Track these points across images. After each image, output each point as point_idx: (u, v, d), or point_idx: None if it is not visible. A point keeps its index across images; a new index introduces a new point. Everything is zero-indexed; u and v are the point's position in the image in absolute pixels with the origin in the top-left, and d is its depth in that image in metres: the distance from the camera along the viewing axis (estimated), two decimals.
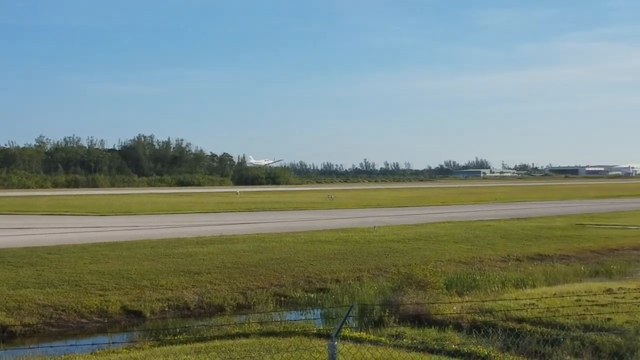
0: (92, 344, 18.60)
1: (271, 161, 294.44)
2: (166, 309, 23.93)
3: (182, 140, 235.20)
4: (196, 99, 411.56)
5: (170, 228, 46.63)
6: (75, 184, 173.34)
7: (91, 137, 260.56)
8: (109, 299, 23.97)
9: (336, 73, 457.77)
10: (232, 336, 18.01)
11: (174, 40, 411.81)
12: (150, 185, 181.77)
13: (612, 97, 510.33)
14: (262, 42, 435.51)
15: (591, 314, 18.39)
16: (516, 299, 21.21)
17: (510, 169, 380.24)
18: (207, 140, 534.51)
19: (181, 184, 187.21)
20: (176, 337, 18.53)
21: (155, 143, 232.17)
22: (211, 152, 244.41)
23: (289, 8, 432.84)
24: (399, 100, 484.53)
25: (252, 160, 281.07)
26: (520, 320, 18.82)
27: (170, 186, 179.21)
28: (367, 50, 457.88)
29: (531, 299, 21.19)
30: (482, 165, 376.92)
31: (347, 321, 19.82)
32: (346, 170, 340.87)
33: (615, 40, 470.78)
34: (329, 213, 64.28)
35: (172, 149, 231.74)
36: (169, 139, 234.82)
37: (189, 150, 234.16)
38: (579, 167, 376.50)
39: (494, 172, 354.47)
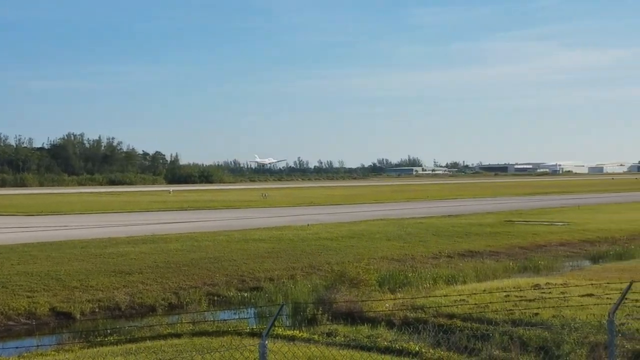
0: (20, 347, 18.16)
1: (274, 160, 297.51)
2: (96, 310, 23.57)
3: (113, 138, 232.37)
4: (128, 97, 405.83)
5: (102, 228, 45.87)
6: (2, 184, 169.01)
7: (19, 135, 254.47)
8: (37, 300, 23.47)
9: (269, 71, 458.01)
10: (163, 336, 17.84)
11: (104, 36, 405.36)
12: (80, 184, 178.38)
13: (540, 96, 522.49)
14: (194, 39, 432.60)
15: (519, 309, 18.77)
16: (447, 296, 21.53)
17: (441, 166, 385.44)
18: (139, 138, 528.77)
19: (112, 183, 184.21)
20: (106, 339, 18.25)
21: (85, 142, 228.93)
22: (143, 151, 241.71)
23: (223, 5, 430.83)
24: (333, 98, 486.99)
25: (257, 159, 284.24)
26: (451, 316, 19.09)
27: (101, 185, 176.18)
28: (302, 47, 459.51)
29: (462, 295, 21.55)
30: (415, 163, 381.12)
31: (280, 320, 19.85)
32: (280, 168, 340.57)
33: (545, 39, 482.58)
34: (263, 212, 64.14)
35: (103, 148, 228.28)
36: (99, 137, 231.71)
37: (121, 149, 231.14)
38: (509, 164, 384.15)
39: (426, 170, 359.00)
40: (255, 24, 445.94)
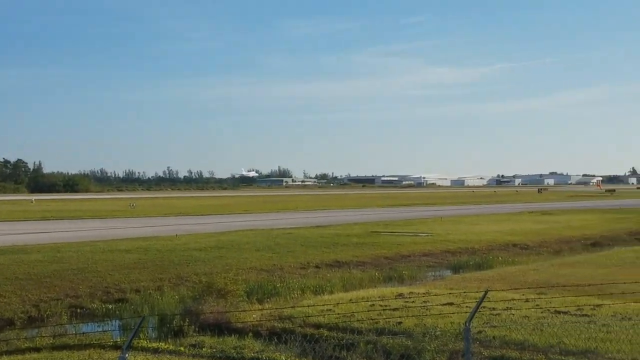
0: None
1: (256, 174, 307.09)
2: None
3: None
4: None
5: None
6: None
7: None
8: None
9: (139, 78, 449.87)
10: (22, 351, 17.19)
11: None
12: None
13: (407, 110, 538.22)
14: (62, 43, 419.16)
15: (384, 318, 19.19)
16: (314, 305, 21.75)
17: (311, 177, 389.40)
18: None
19: None
20: None
21: None
22: (4, 159, 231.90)
23: (90, 10, 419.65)
24: (203, 107, 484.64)
25: (243, 172, 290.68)
26: (318, 326, 19.28)
27: None
28: (174, 56, 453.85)
29: (328, 304, 21.81)
30: (285, 174, 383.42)
31: (146, 332, 19.53)
32: (149, 178, 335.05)
33: (412, 55, 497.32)
34: (131, 221, 62.86)
35: None
36: None
37: None
38: (376, 176, 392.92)
39: (295, 181, 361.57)
40: (126, 30, 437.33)
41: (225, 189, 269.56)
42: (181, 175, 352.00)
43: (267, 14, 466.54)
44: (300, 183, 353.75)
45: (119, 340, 18.57)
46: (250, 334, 18.96)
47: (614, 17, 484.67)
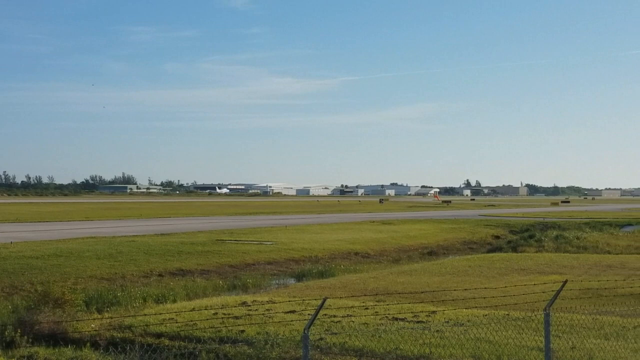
0: None
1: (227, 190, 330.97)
2: None
3: None
4: None
5: None
6: None
7: None
8: None
9: None
10: None
11: None
12: None
13: (251, 118, 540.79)
14: None
15: (226, 327, 19.18)
16: (156, 314, 21.45)
17: (156, 185, 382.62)
18: None
19: None
20: None
21: None
22: None
23: None
24: (41, 111, 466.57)
25: (217, 190, 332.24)
26: (159, 335, 19.02)
27: None
28: (6, 56, 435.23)
29: (171, 313, 21.58)
30: (129, 180, 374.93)
31: None
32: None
33: (252, 65, 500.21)
34: None
35: None
36: None
37: None
38: (222, 184, 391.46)
39: (140, 188, 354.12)
40: None
41: (66, 195, 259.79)
42: (18, 180, 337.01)
43: (108, 19, 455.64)
44: (145, 190, 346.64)
45: None
46: (89, 344, 18.46)
47: (450, 37, 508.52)
